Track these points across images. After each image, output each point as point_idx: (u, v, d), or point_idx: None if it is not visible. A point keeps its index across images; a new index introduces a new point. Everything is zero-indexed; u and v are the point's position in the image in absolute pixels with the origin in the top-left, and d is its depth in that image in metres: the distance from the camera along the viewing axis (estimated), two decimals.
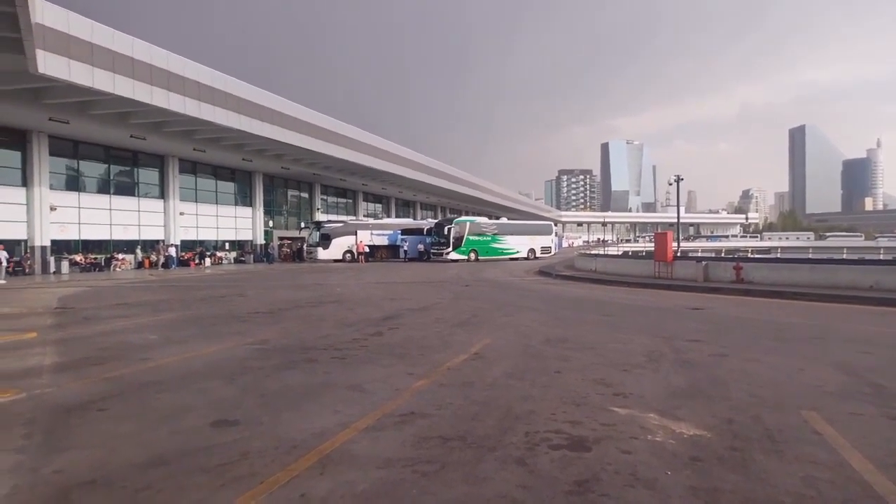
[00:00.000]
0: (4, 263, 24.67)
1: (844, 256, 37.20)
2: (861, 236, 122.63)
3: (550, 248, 48.80)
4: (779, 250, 72.54)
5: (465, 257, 41.96)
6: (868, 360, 7.37)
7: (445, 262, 40.22)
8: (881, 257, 37.87)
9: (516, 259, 44.20)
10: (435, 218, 65.90)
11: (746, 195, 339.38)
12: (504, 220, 51.59)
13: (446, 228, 42.58)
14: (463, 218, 46.08)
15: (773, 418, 4.91)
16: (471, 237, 42.67)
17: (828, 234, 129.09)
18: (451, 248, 41.65)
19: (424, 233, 45.27)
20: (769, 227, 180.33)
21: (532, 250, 46.05)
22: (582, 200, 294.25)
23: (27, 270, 27.78)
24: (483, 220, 48.04)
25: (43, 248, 29.06)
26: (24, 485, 3.69)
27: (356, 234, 43.39)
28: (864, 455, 4.03)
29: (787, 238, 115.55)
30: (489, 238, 44.01)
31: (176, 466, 3.95)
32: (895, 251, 68.15)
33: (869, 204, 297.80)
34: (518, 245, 45.52)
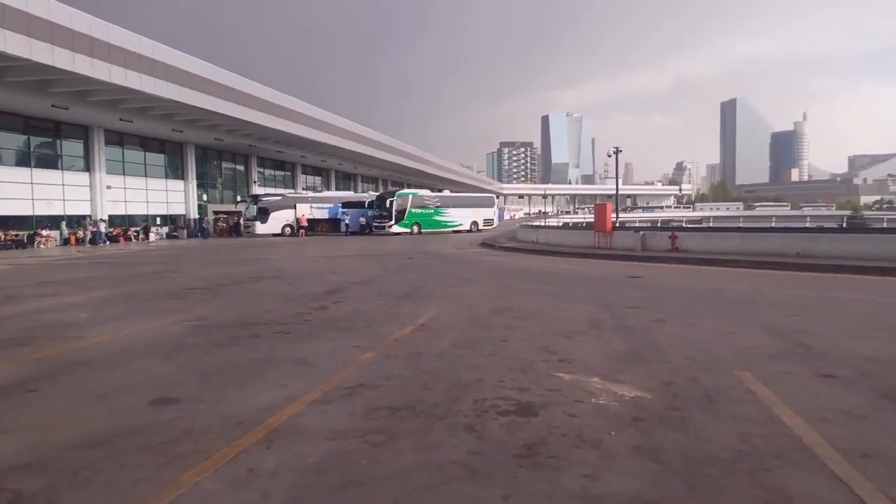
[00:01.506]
0: None
1: (773, 225, 38.96)
2: (788, 206, 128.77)
3: (493, 220, 49.10)
4: (711, 220, 75.43)
5: (408, 230, 41.69)
6: (796, 323, 7.77)
7: (388, 236, 39.85)
8: (807, 225, 39.85)
9: (459, 231, 44.29)
10: (376, 190, 65.25)
11: (680, 167, 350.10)
12: (447, 192, 51.41)
13: (388, 201, 42.04)
14: (405, 191, 45.63)
15: (710, 379, 5.12)
16: (413, 210, 42.37)
17: (756, 204, 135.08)
18: (393, 222, 41.25)
19: (366, 206, 44.70)
20: (701, 199, 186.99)
21: (475, 223, 46.23)
22: (523, 173, 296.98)
23: None
24: (426, 192, 47.73)
25: None
26: None
27: (295, 208, 42.46)
28: (794, 411, 4.26)
29: (718, 209, 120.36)
30: (432, 211, 43.83)
31: (116, 446, 3.80)
32: (820, 219, 72.05)
33: (795, 175, 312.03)
34: (461, 218, 45.52)
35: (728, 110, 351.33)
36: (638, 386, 4.94)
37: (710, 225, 47.84)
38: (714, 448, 3.64)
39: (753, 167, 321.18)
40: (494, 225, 49.14)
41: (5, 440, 3.97)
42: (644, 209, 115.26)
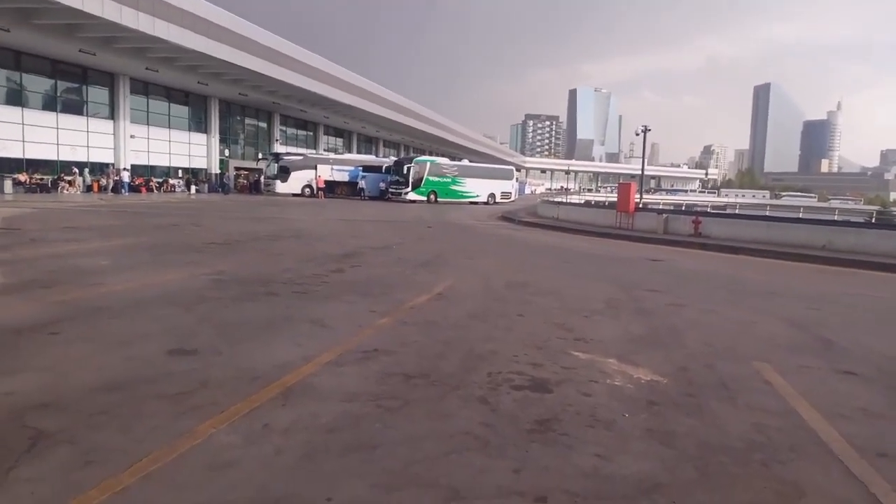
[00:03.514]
0: None
1: (800, 216, 38.35)
2: (815, 197, 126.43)
3: (510, 193, 48.62)
4: (736, 207, 74.27)
5: (424, 198, 41.33)
6: (818, 316, 7.66)
7: (404, 202, 39.62)
8: (835, 218, 39.16)
9: (475, 203, 43.90)
10: (398, 156, 65.02)
11: (707, 151, 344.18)
12: (465, 162, 50.89)
13: (406, 167, 41.61)
14: (423, 158, 45.17)
15: (727, 367, 5.07)
16: (430, 178, 41.95)
17: (783, 193, 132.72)
18: (409, 188, 40.85)
19: (384, 171, 44.50)
20: (727, 184, 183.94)
21: (492, 195, 45.83)
22: (547, 147, 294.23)
23: None
24: (444, 160, 47.27)
25: None
26: None
27: (316, 169, 42.36)
28: (811, 404, 4.20)
29: (744, 195, 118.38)
30: (449, 180, 43.45)
31: (132, 392, 3.86)
32: (848, 213, 70.74)
33: (825, 166, 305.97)
34: (478, 189, 45.07)
35: (761, 95, 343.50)
36: (654, 370, 4.90)
37: (736, 212, 47.12)
38: (728, 436, 3.61)
39: (783, 155, 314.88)
40: (512, 198, 48.65)
41: (28, 378, 4.04)
42: (668, 191, 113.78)
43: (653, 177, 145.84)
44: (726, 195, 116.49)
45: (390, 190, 41.90)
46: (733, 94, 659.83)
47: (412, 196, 40.76)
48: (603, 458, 3.24)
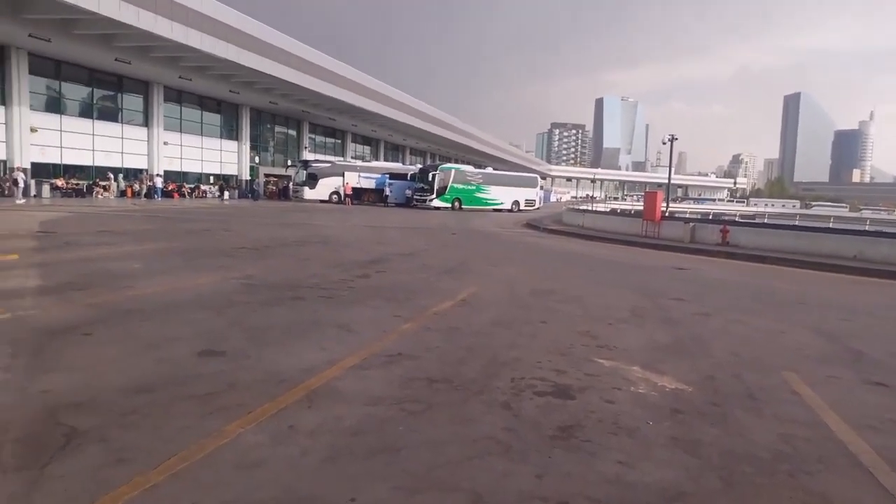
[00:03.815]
0: (22, 185, 25.48)
1: (830, 226, 37.56)
2: (846, 207, 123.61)
3: (535, 201, 48.50)
4: (765, 216, 73.03)
5: (448, 205, 41.44)
6: (848, 327, 7.52)
7: (428, 210, 39.73)
8: (867, 228, 38.27)
9: (500, 210, 43.88)
10: (424, 164, 65.22)
11: (736, 160, 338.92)
12: (489, 169, 50.83)
13: (430, 175, 41.76)
14: (448, 165, 45.25)
15: (753, 377, 5.01)
16: (455, 185, 42.03)
17: (814, 203, 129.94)
18: (434, 195, 40.99)
19: (409, 178, 44.73)
20: (756, 193, 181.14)
21: (516, 202, 45.77)
22: (573, 155, 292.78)
23: (6, 192, 27.23)
24: (468, 168, 47.28)
25: (12, 170, 28.33)
26: (12, 402, 3.69)
27: (344, 176, 42.79)
28: (840, 416, 4.13)
29: (773, 205, 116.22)
30: (473, 187, 43.46)
31: (162, 393, 3.95)
32: (880, 223, 68.95)
33: (856, 176, 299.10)
34: (502, 196, 45.04)
35: (791, 104, 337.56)
36: (679, 378, 4.86)
37: (765, 221, 46.31)
38: (754, 446, 3.57)
39: (813, 165, 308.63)
40: (536, 206, 48.51)
41: (62, 378, 4.16)
42: (696, 200, 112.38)
43: (680, 186, 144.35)
44: (755, 204, 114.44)
45: (415, 197, 42.13)
46: (763, 103, 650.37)
47: (437, 203, 40.91)
48: (626, 465, 3.23)
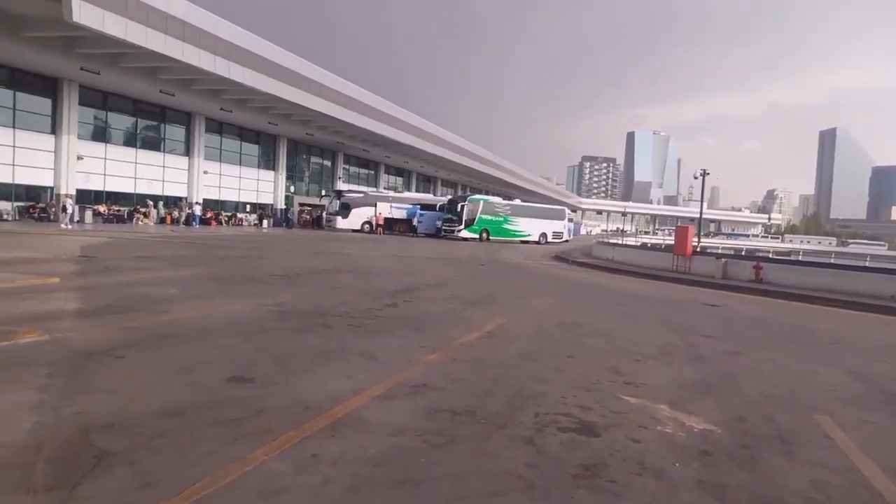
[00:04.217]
0: (70, 210, 26.39)
1: (867, 264, 36.57)
2: (885, 245, 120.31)
3: (563, 233, 48.30)
4: (800, 253, 71.46)
5: (476, 236, 41.47)
6: (884, 369, 7.31)
7: (457, 240, 39.82)
8: None
9: (527, 242, 43.79)
10: (455, 195, 65.63)
11: (771, 195, 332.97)
12: (517, 201, 50.88)
13: (459, 206, 42.04)
14: (476, 196, 45.45)
15: (785, 419, 4.90)
16: (483, 216, 42.09)
17: (851, 240, 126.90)
18: (462, 226, 41.14)
19: (437, 208, 45.05)
20: (791, 230, 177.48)
21: (544, 234, 45.68)
22: (603, 188, 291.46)
23: (52, 217, 28.20)
24: (497, 199, 47.37)
25: (63, 196, 29.36)
26: (47, 422, 3.79)
27: (376, 206, 43.35)
28: (875, 462, 4.01)
29: (808, 241, 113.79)
30: (502, 219, 43.48)
31: (191, 417, 4.03)
32: None
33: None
34: (530, 228, 44.97)
35: (827, 140, 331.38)
36: (707, 418, 4.77)
37: (799, 258, 45.31)
38: (784, 492, 3.49)
39: (850, 201, 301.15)
40: (564, 238, 48.29)
41: (95, 399, 4.28)
42: (728, 236, 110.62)
43: (712, 220, 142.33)
44: (790, 241, 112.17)
45: (443, 228, 42.36)
46: (797, 138, 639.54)
47: (465, 234, 41.05)
48: None
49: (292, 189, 47.68)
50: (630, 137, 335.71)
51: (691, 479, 3.59)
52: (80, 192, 30.20)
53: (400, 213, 44.72)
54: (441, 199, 50.41)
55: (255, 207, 43.66)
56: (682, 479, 3.57)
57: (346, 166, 54.61)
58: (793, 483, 3.63)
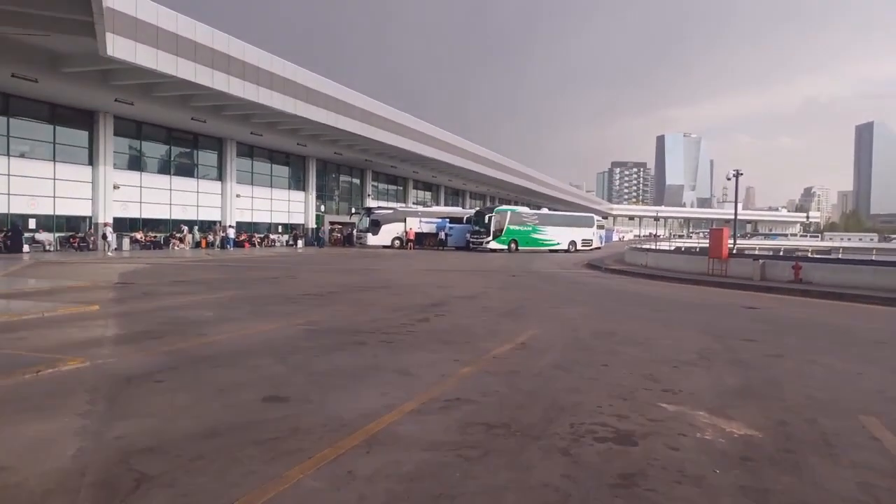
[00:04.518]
0: (110, 238, 27.37)
1: None
2: None
3: (591, 240, 47.68)
4: (840, 251, 69.47)
5: (505, 247, 41.22)
6: None
7: (486, 252, 39.69)
8: None
9: (556, 251, 43.33)
10: (482, 207, 65.63)
11: (808, 193, 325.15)
12: (545, 210, 50.49)
13: (486, 217, 41.86)
14: (503, 207, 45.21)
15: (830, 422, 4.76)
16: (511, 227, 41.82)
17: (893, 235, 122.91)
18: (490, 238, 40.94)
19: (464, 221, 44.99)
20: (831, 227, 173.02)
21: (573, 242, 45.20)
22: (634, 194, 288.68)
23: (91, 246, 29.00)
24: (524, 209, 47.06)
25: (103, 225, 30.21)
26: (89, 447, 3.89)
27: (405, 222, 43.62)
28: None
29: (849, 239, 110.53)
30: (529, 228, 43.17)
31: (229, 438, 4.09)
32: None
33: None
34: (559, 237, 44.54)
35: (864, 134, 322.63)
36: (748, 423, 4.66)
37: (840, 256, 44.06)
38: (830, 496, 3.39)
39: (891, 197, 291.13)
40: (594, 246, 47.72)
41: (135, 424, 4.38)
42: (766, 236, 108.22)
43: (748, 221, 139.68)
44: (830, 239, 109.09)
45: (471, 240, 42.26)
46: (834, 134, 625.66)
47: (493, 245, 40.82)
48: None
49: (322, 208, 48.25)
50: (660, 141, 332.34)
51: (733, 485, 3.52)
52: (117, 220, 30.98)
53: (429, 228, 44.86)
54: (469, 211, 50.44)
55: (287, 228, 44.29)
56: (724, 486, 3.50)
57: (375, 183, 55.10)
58: (839, 487, 3.52)
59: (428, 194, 65.22)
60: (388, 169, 52.68)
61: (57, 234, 28.76)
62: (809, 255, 44.17)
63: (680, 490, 3.43)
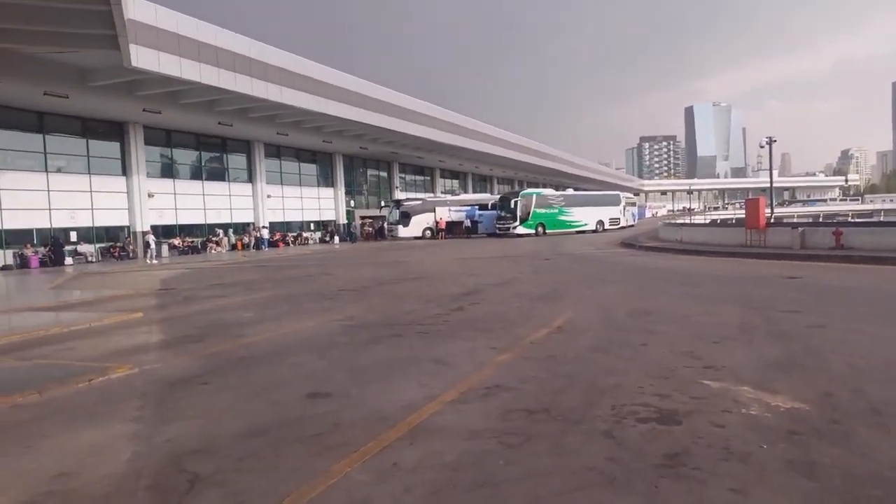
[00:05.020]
0: (153, 246, 28.12)
1: None
2: None
3: (619, 219, 46.75)
4: (882, 213, 67.28)
5: (532, 231, 40.66)
6: None
7: (514, 237, 39.27)
8: None
9: (583, 232, 42.59)
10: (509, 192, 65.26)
11: (846, 156, 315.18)
12: (570, 191, 49.72)
13: (513, 202, 41.25)
14: (529, 190, 44.48)
15: (877, 391, 4.65)
16: (538, 210, 41.16)
17: None
18: (517, 223, 40.36)
19: (490, 207, 44.70)
20: (871, 189, 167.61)
21: (600, 222, 44.43)
22: (665, 168, 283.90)
23: (131, 255, 29.75)
24: (549, 191, 46.29)
25: (144, 234, 30.97)
26: (142, 451, 4.03)
27: (435, 211, 43.66)
28: None
29: (891, 200, 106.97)
30: (556, 211, 42.49)
31: (274, 436, 4.19)
32: None
33: None
34: (585, 217, 43.74)
35: None
36: (794, 396, 4.59)
37: (882, 219, 42.67)
38: (880, 467, 3.32)
39: None
40: (622, 224, 46.93)
41: (184, 426, 4.52)
42: (804, 202, 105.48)
43: (785, 188, 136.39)
44: (871, 201, 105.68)
45: (498, 225, 41.84)
46: (870, 94, 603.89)
47: (521, 230, 40.25)
48: (739, 493, 3.09)
49: (352, 203, 48.59)
50: (689, 112, 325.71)
51: (780, 459, 3.47)
52: (153, 227, 31.71)
53: (459, 216, 44.75)
54: (497, 197, 50.15)
55: (319, 225, 44.78)
56: (771, 461, 3.46)
57: (402, 175, 55.22)
58: (889, 457, 3.45)
59: (455, 182, 65.14)
60: (414, 160, 52.75)
61: (97, 245, 29.58)
62: (850, 219, 42.92)
63: (726, 467, 3.40)
